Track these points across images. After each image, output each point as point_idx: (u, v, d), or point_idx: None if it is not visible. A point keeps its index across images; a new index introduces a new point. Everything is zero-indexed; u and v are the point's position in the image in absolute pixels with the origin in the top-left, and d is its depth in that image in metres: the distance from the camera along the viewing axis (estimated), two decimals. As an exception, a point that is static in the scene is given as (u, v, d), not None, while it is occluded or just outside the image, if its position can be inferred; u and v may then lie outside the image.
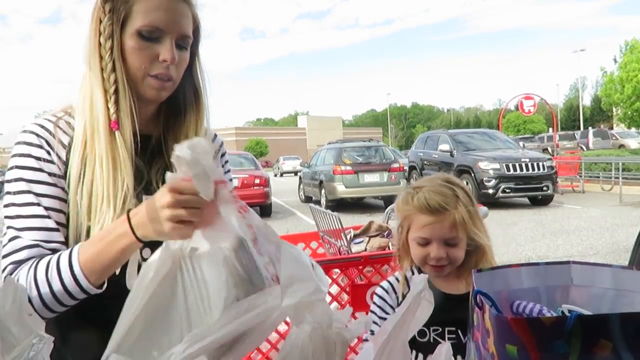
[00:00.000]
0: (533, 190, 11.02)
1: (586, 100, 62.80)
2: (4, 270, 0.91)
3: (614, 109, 27.35)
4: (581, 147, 25.99)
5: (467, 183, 11.46)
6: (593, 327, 0.65)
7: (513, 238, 7.43)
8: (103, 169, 0.94)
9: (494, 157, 11.40)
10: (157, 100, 1.02)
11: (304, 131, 66.43)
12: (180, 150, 0.74)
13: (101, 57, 0.96)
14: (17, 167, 0.95)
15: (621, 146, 25.69)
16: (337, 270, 1.98)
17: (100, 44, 0.96)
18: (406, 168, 13.79)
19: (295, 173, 28.50)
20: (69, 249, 0.90)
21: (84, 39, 0.99)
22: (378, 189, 11.91)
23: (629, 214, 9.50)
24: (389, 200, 11.60)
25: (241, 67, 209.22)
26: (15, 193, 0.94)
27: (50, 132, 0.98)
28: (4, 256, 0.92)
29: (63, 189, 0.97)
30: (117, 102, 0.96)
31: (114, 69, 0.95)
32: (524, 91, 25.76)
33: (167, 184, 0.78)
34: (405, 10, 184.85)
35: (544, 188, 11.05)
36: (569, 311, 0.86)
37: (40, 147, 0.96)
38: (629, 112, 24.51)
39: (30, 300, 0.86)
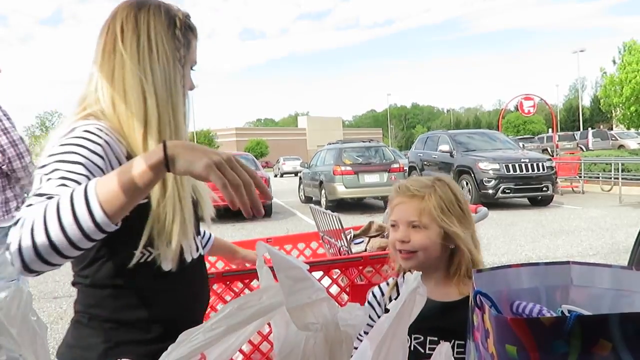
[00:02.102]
0: (533, 191, 11.02)
1: (586, 101, 62.84)
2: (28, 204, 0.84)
3: (614, 110, 27.34)
4: (581, 148, 25.99)
5: (467, 183, 11.46)
6: (593, 328, 0.65)
7: (513, 238, 7.43)
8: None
9: (493, 157, 11.39)
10: None
11: (304, 132, 66.43)
12: None
13: (182, 84, 1.09)
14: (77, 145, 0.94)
15: (620, 147, 25.68)
16: (337, 270, 1.98)
17: (178, 72, 1.08)
18: (406, 168, 13.78)
19: (296, 173, 28.48)
20: (85, 184, 0.82)
21: (159, 64, 1.06)
22: (378, 189, 11.91)
23: (628, 214, 9.50)
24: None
25: (241, 68, 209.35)
26: (65, 153, 0.92)
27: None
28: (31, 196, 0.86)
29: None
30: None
31: (184, 94, 1.11)
32: (524, 92, 25.81)
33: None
34: (405, 10, 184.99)
35: (544, 188, 11.05)
36: (569, 311, 0.86)
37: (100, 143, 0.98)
38: (628, 113, 24.52)
39: (34, 244, 0.77)
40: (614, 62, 26.10)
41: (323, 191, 12.32)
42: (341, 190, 11.66)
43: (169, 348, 0.69)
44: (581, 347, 0.65)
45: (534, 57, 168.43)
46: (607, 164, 13.97)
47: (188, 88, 1.13)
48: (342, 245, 2.37)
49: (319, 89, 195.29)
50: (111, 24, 1.07)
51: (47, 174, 0.88)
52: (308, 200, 13.67)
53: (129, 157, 1.00)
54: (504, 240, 7.32)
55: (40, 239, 0.77)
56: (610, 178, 13.28)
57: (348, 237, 2.38)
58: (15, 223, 0.80)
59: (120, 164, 0.98)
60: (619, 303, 0.87)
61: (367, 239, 2.43)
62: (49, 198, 0.82)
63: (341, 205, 11.86)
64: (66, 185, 0.86)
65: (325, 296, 0.74)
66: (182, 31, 1.08)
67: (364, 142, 13.89)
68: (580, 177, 14.19)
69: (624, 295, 0.87)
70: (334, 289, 1.96)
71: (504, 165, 11.00)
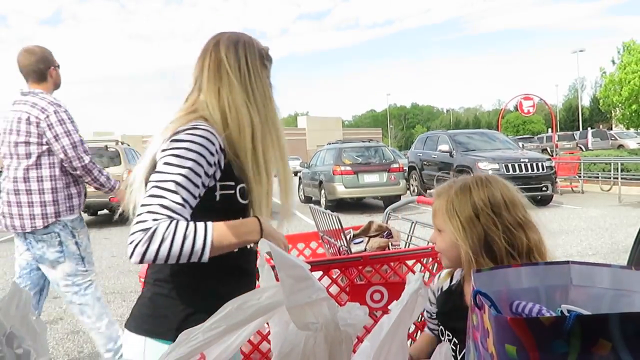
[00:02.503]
0: (532, 191, 11.02)
1: (585, 101, 62.81)
2: (141, 215, 1.09)
3: (613, 110, 27.36)
4: (580, 148, 25.99)
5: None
6: (592, 327, 0.65)
7: (512, 238, 7.43)
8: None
9: (493, 157, 11.40)
10: None
11: (304, 131, 66.39)
12: None
13: (270, 100, 1.36)
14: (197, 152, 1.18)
15: (620, 146, 25.69)
16: (336, 270, 1.98)
17: (270, 92, 1.37)
18: (406, 168, 13.78)
19: (295, 173, 28.46)
20: (205, 224, 1.12)
21: (246, 83, 1.31)
22: (377, 189, 11.91)
23: (628, 214, 9.51)
24: (388, 200, 11.61)
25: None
26: (187, 167, 1.16)
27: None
28: (151, 204, 1.11)
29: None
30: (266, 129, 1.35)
31: (271, 109, 1.36)
32: (523, 92, 25.79)
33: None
34: (405, 10, 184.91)
35: (543, 188, 11.05)
36: (568, 311, 0.86)
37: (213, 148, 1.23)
38: (628, 113, 24.53)
39: (157, 255, 1.06)
40: (613, 62, 26.12)
41: (323, 191, 12.32)
42: (341, 190, 11.66)
43: (168, 348, 0.69)
44: (581, 347, 0.65)
45: (533, 57, 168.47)
46: (606, 163, 13.98)
47: None
48: (341, 245, 2.37)
49: (318, 89, 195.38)
50: (214, 50, 1.31)
51: (167, 184, 1.13)
52: (308, 200, 13.67)
53: (223, 150, 1.24)
54: (504, 240, 7.31)
55: (162, 255, 1.07)
56: (610, 178, 13.28)
57: (348, 237, 2.38)
58: (138, 222, 1.07)
59: (218, 159, 1.23)
60: (618, 303, 0.87)
61: (367, 238, 2.43)
62: (170, 216, 1.10)
63: (341, 205, 11.86)
64: (184, 207, 1.13)
65: (326, 296, 0.74)
66: (268, 61, 1.38)
67: (363, 142, 13.89)
68: (580, 176, 14.19)
69: (623, 295, 0.87)
70: (334, 289, 1.96)
71: (503, 165, 11.00)
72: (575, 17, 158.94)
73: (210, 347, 0.72)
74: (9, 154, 2.92)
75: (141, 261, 1.06)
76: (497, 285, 0.88)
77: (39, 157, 2.89)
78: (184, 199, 1.13)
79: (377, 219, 2.78)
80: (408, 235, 2.65)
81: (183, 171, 1.14)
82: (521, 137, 32.64)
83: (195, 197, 1.16)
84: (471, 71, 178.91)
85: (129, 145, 12.86)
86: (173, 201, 1.11)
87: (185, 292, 1.25)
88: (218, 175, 1.24)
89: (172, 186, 1.12)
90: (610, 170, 13.36)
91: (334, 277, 1.99)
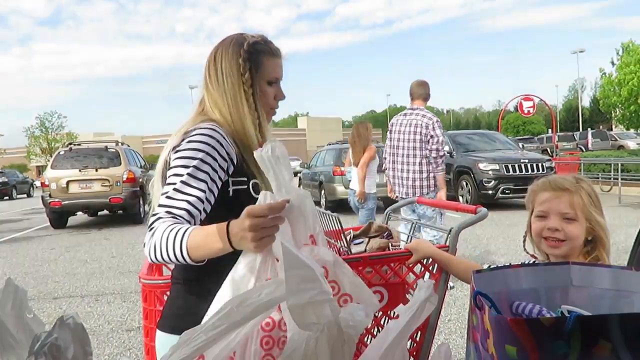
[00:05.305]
0: (532, 191, 11.00)
1: (585, 102, 62.74)
2: (155, 214, 1.17)
3: (613, 111, 27.33)
4: (580, 148, 25.99)
5: (466, 184, 11.45)
6: (592, 328, 0.65)
7: (513, 239, 7.42)
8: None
9: (493, 158, 11.38)
10: (269, 122, 1.47)
11: (304, 132, 66.34)
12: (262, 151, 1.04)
13: (246, 99, 1.37)
14: (205, 152, 1.25)
15: (620, 147, 25.68)
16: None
17: (245, 90, 1.37)
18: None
19: (295, 174, 28.44)
20: (185, 229, 1.12)
21: (219, 84, 1.39)
22: (377, 189, 11.89)
23: (628, 214, 9.50)
24: (388, 201, 11.59)
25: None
26: (194, 167, 1.22)
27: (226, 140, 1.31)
28: (162, 205, 1.19)
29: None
30: (261, 130, 1.39)
31: (256, 108, 1.38)
32: (523, 92, 25.73)
33: (245, 210, 1.01)
34: (405, 11, 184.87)
35: (544, 189, 11.03)
36: (569, 312, 0.86)
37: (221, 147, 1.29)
38: (627, 114, 24.52)
39: (155, 257, 1.13)
40: (613, 62, 26.11)
41: (323, 191, 12.31)
42: (341, 191, 11.64)
43: (170, 349, 0.69)
44: (581, 348, 0.65)
45: (533, 57, 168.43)
46: (606, 164, 13.97)
47: (276, 99, 1.45)
48: (341, 246, 2.37)
49: (319, 89, 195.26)
50: (211, 53, 1.42)
51: (176, 184, 1.20)
52: (308, 200, 13.63)
53: (235, 142, 1.33)
54: (504, 240, 7.32)
55: (158, 257, 1.13)
56: (610, 178, 13.27)
57: (348, 238, 2.38)
58: (149, 228, 1.15)
59: (229, 154, 1.29)
60: (618, 303, 0.87)
61: (367, 239, 2.42)
62: (169, 212, 1.17)
63: (341, 206, 11.84)
64: (191, 203, 1.19)
65: (328, 297, 0.74)
66: (247, 57, 1.37)
67: (363, 142, 13.85)
68: (580, 177, 14.16)
69: (623, 296, 0.87)
70: (334, 290, 1.96)
71: (503, 165, 10.99)
72: (575, 17, 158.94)
73: (211, 347, 0.72)
74: None
75: (152, 261, 1.15)
76: (497, 286, 0.88)
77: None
78: (191, 196, 1.19)
79: (378, 219, 2.78)
80: (408, 236, 2.65)
81: (189, 170, 1.21)
82: (521, 137, 32.64)
83: (204, 190, 1.22)
84: (471, 71, 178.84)
85: (129, 145, 12.85)
86: (178, 199, 1.18)
87: (215, 289, 1.25)
88: (231, 170, 1.30)
89: (179, 186, 1.20)
90: (610, 171, 13.35)
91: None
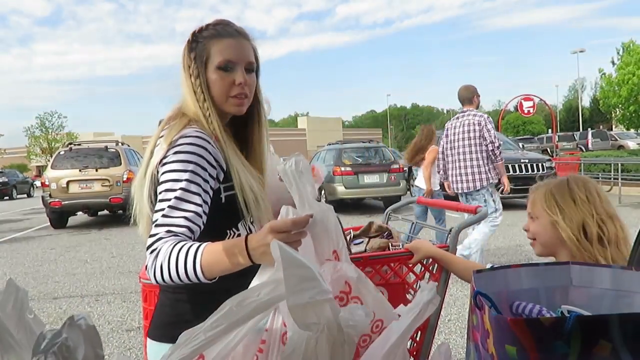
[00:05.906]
0: (532, 191, 11.00)
1: (585, 102, 62.71)
2: (154, 234, 1.12)
3: (613, 111, 27.33)
4: (580, 148, 25.97)
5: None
6: (592, 328, 0.65)
7: (513, 239, 7.43)
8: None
9: (493, 158, 11.39)
10: (239, 113, 1.34)
11: (304, 132, 66.34)
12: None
13: (195, 92, 1.28)
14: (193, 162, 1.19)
15: (620, 147, 25.66)
16: (336, 271, 1.97)
17: (192, 83, 1.29)
18: (406, 169, 13.76)
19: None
20: (196, 247, 1.08)
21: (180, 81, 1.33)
22: (378, 189, 11.90)
23: (628, 214, 9.49)
24: (388, 201, 11.59)
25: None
26: (187, 180, 1.17)
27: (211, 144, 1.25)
28: (160, 224, 1.14)
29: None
30: (211, 123, 1.27)
31: (204, 99, 1.28)
32: (523, 92, 25.75)
33: (267, 225, 1.01)
34: (405, 11, 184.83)
35: (544, 189, 11.03)
36: (569, 312, 0.86)
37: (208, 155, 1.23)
38: (627, 114, 24.51)
39: (162, 278, 1.09)
40: (613, 63, 26.10)
41: (323, 192, 12.31)
42: (341, 191, 11.65)
43: (169, 349, 0.69)
44: (581, 348, 0.65)
45: (533, 57, 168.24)
46: (606, 164, 13.97)
47: (237, 84, 1.29)
48: (342, 246, 2.36)
49: (318, 89, 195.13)
50: None
51: (170, 201, 1.15)
52: (308, 200, 13.63)
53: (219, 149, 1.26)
54: (504, 240, 7.32)
55: (166, 278, 1.09)
56: (610, 178, 13.28)
57: (348, 238, 2.38)
58: (150, 249, 1.11)
59: (217, 160, 1.24)
60: (618, 303, 0.87)
61: (367, 239, 2.42)
62: (169, 231, 1.12)
63: (341, 206, 11.85)
64: (188, 219, 1.14)
65: (329, 297, 0.74)
66: (191, 47, 1.30)
67: (363, 142, 13.87)
68: (580, 177, 14.15)
69: (623, 296, 0.87)
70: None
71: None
72: (575, 17, 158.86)
73: (211, 347, 0.72)
74: None
75: (158, 283, 1.11)
76: (497, 286, 0.88)
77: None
78: (188, 212, 1.15)
79: (378, 219, 2.78)
80: (408, 236, 2.65)
81: (182, 184, 1.16)
82: (521, 137, 32.62)
83: (200, 204, 1.17)
84: (471, 71, 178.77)
85: (129, 145, 12.86)
86: (176, 217, 1.14)
87: (207, 296, 1.20)
88: (221, 176, 1.25)
89: (174, 202, 1.15)
90: (610, 171, 13.35)
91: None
